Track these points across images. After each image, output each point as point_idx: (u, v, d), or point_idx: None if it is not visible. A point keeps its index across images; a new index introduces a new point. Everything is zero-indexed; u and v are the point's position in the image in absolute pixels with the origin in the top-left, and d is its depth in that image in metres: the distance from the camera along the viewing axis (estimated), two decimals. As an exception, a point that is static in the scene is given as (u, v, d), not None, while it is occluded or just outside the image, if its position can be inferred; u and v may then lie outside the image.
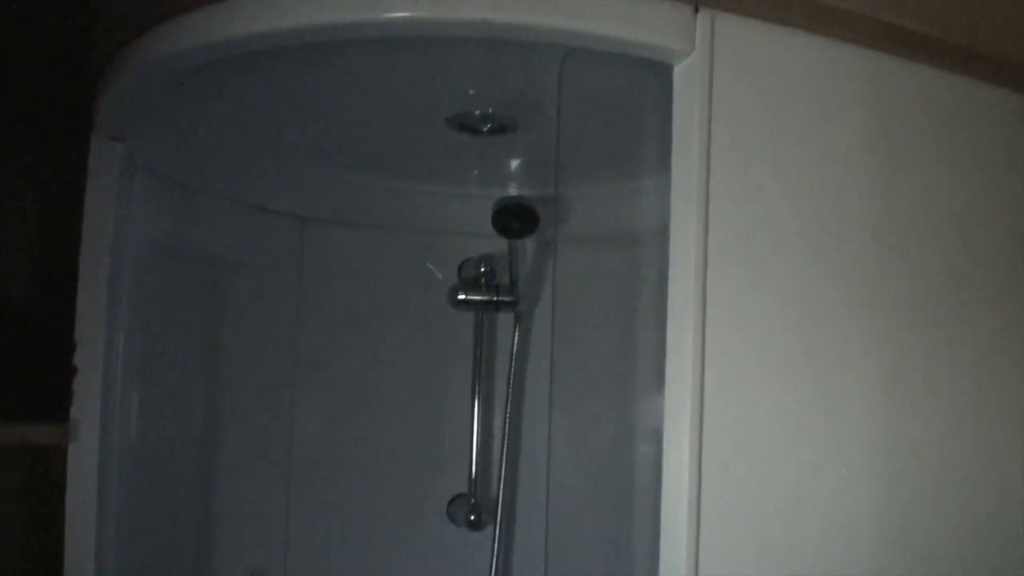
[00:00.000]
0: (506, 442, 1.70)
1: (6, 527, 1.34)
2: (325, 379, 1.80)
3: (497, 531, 1.68)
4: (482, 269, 1.76)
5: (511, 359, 1.71)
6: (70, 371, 1.26)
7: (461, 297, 1.74)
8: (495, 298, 1.73)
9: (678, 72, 1.06)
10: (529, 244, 1.79)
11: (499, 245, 1.72)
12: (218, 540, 1.65)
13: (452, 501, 1.77)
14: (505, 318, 1.78)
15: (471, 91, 1.38)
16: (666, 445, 1.11)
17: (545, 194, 1.72)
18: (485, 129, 1.48)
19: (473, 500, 1.73)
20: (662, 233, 1.10)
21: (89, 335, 1.28)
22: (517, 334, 1.72)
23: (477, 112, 1.44)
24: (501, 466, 1.70)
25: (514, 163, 1.73)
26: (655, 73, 1.07)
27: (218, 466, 1.67)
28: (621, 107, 1.39)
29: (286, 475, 1.76)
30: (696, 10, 1.04)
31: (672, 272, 1.06)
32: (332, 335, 1.81)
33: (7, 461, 1.31)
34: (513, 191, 1.79)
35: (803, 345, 1.08)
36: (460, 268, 1.79)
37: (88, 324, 1.28)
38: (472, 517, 1.72)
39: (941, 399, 1.16)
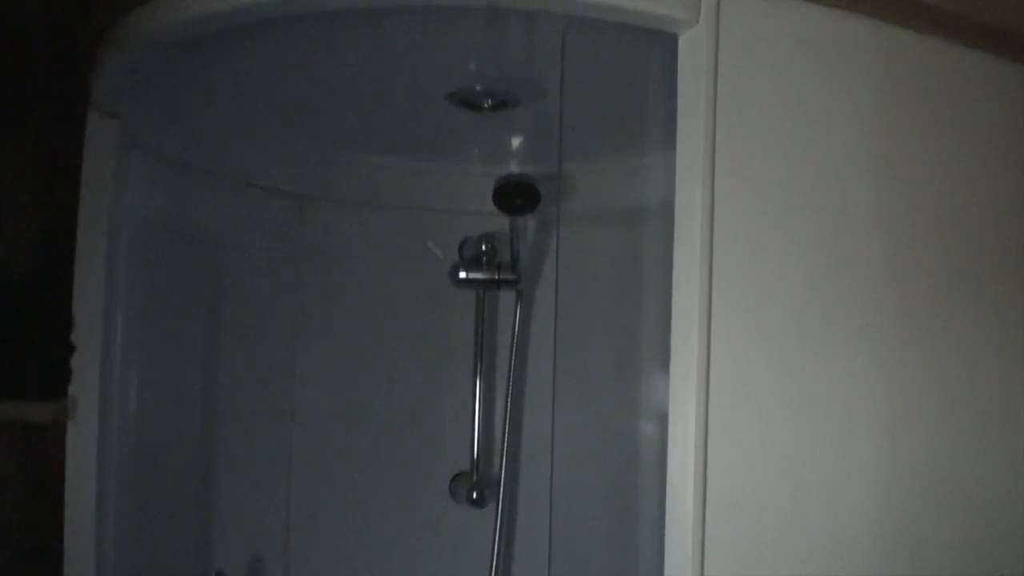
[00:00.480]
0: (508, 420, 1.70)
1: (5, 505, 1.33)
2: (325, 359, 1.79)
3: (499, 509, 1.67)
4: (483, 247, 1.75)
5: (513, 337, 1.70)
6: (68, 349, 1.24)
7: (462, 276, 1.73)
8: (496, 276, 1.72)
9: (683, 42, 1.04)
10: (531, 222, 1.77)
11: (501, 223, 1.71)
12: (219, 520, 1.65)
13: (454, 479, 1.77)
14: (507, 297, 1.77)
15: (472, 66, 1.36)
16: (671, 425, 1.10)
17: (547, 172, 1.70)
18: (486, 105, 1.47)
19: (475, 478, 1.72)
20: (667, 210, 1.09)
21: (87, 313, 1.27)
22: (519, 312, 1.71)
23: (478, 87, 1.42)
24: (503, 444, 1.70)
25: (516, 140, 1.72)
26: (659, 44, 1.05)
27: (218, 447, 1.66)
28: (625, 80, 1.37)
29: (287, 455, 1.76)
30: (701, -21, 1.02)
31: (677, 249, 1.05)
32: (332, 315, 1.80)
33: (5, 438, 1.31)
34: (515, 168, 1.77)
35: (810, 323, 1.07)
36: (461, 247, 1.78)
37: (86, 302, 1.27)
38: (474, 495, 1.72)
39: (948, 380, 1.14)
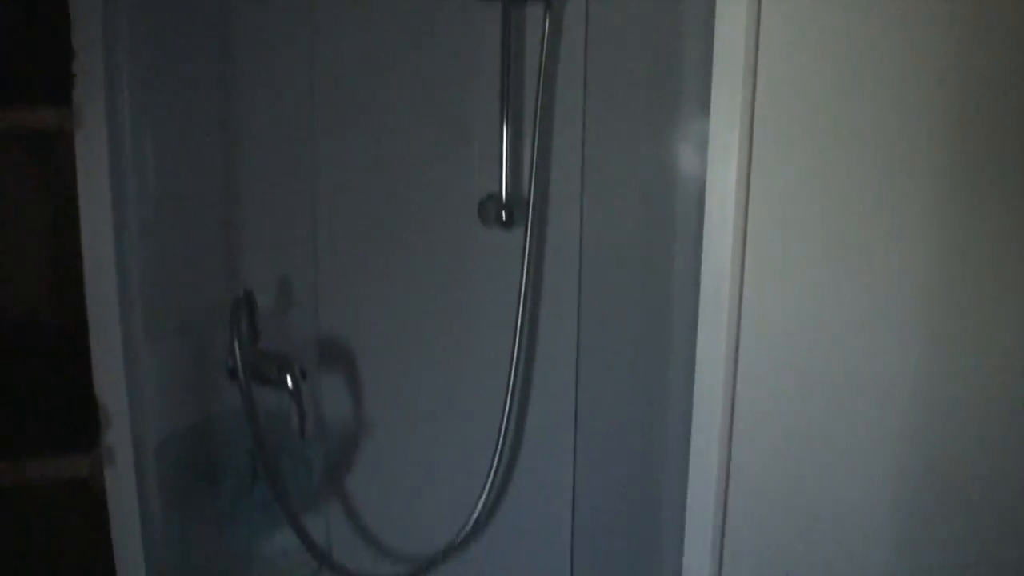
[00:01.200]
0: (537, 141, 1.63)
1: (23, 215, 1.32)
2: (347, 84, 1.73)
3: (528, 230, 1.65)
4: (508, -45, 1.60)
5: (541, 55, 1.60)
6: (68, 53, 1.17)
7: (487, -14, 1.60)
8: (523, -14, 1.59)
9: None
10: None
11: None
12: (246, 241, 1.66)
13: (483, 201, 1.73)
14: (534, 12, 1.64)
15: None
16: (710, 162, 1.03)
17: None
18: None
19: (504, 200, 1.69)
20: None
21: (85, 17, 1.18)
22: (547, 27, 1.59)
23: None
24: (532, 166, 1.64)
25: None
26: None
27: (242, 168, 1.64)
28: None
29: (313, 175, 1.74)
30: None
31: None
32: (351, 37, 1.71)
33: (14, 151, 1.27)
34: None
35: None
36: (485, -45, 1.63)
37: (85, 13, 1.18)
38: (503, 216, 1.69)
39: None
